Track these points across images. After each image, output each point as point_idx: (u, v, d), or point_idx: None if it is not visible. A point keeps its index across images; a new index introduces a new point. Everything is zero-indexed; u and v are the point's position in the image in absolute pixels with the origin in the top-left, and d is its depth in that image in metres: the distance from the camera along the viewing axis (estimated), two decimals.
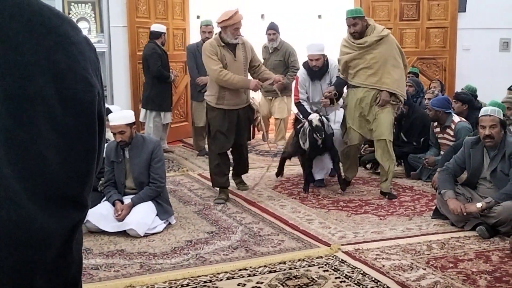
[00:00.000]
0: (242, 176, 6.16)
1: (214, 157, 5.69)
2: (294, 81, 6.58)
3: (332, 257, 4.14)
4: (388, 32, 5.64)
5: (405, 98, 5.80)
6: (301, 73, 6.29)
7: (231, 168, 5.92)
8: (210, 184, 5.96)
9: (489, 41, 9.97)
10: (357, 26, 5.51)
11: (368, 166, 6.88)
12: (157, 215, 4.82)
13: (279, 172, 6.53)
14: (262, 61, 7.80)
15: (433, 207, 5.20)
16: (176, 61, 8.51)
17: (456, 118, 6.26)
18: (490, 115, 4.68)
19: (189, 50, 7.66)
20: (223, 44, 5.46)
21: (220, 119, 5.53)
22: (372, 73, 5.56)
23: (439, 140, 6.40)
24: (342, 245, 4.37)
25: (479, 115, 4.82)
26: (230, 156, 5.95)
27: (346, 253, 4.21)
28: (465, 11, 9.69)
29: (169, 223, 4.94)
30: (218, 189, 5.82)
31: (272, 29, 8.07)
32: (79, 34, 1.14)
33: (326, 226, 4.87)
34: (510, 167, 4.58)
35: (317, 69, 6.06)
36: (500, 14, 9.81)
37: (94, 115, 1.17)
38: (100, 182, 5.00)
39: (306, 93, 6.21)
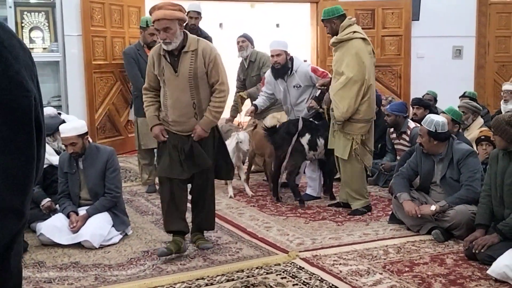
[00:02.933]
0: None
1: (164, 188, 4.44)
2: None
3: (290, 264, 4.13)
4: (349, 37, 5.18)
5: (340, 111, 5.14)
6: (268, 73, 6.18)
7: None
8: None
9: (442, 49, 10.23)
10: (327, 28, 5.37)
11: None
12: (113, 226, 4.73)
13: (301, 200, 5.77)
14: (234, 82, 7.18)
15: (390, 212, 5.25)
16: None
17: (411, 124, 6.37)
18: (421, 124, 4.85)
19: (128, 55, 6.34)
20: (162, 53, 4.24)
21: (168, 141, 4.36)
22: (332, 76, 5.43)
23: (396, 146, 6.50)
24: (300, 251, 4.37)
25: None
26: None
27: (304, 259, 4.21)
28: (418, 20, 9.91)
29: (126, 234, 4.86)
30: None
31: (242, 36, 7.09)
32: (12, 37, 1.10)
33: (284, 233, 4.87)
34: (460, 174, 4.66)
35: (279, 66, 5.87)
36: (452, 22, 10.08)
37: (31, 121, 1.13)
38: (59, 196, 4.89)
39: (271, 90, 6.17)
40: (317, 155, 5.79)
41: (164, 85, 4.28)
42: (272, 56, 5.94)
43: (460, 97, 7.69)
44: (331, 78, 5.64)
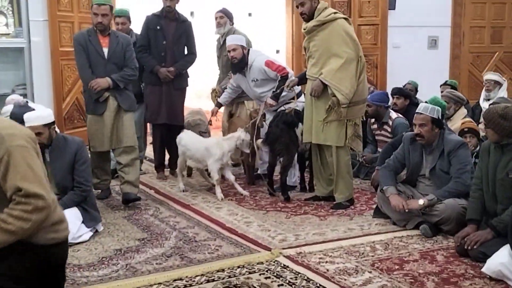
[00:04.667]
0: None
1: None
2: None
3: (274, 262, 3.89)
4: (334, 17, 4.97)
5: (343, 93, 4.86)
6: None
7: None
8: (141, 186, 5.62)
9: (418, 39, 10.10)
10: (305, 6, 5.02)
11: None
12: (83, 222, 4.42)
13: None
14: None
15: (373, 206, 5.06)
16: None
17: (393, 114, 6.18)
18: (421, 113, 4.56)
19: (75, 40, 5.39)
20: None
21: None
22: (314, 63, 5.08)
23: (376, 137, 6.31)
24: (283, 248, 4.13)
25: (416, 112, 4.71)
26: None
27: (288, 257, 3.97)
28: (394, 9, 9.74)
29: (96, 231, 4.56)
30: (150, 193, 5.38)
31: (220, 11, 6.60)
32: None
33: (265, 228, 4.62)
34: (450, 165, 4.48)
35: (236, 61, 5.77)
36: (428, 12, 9.95)
37: None
38: None
39: (236, 83, 6.08)
40: (307, 146, 5.51)
41: None
42: (228, 51, 5.80)
43: (441, 86, 7.58)
44: (299, 76, 5.42)
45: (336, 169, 5.17)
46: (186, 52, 6.39)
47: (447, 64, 10.43)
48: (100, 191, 5.62)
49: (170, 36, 6.21)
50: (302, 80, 5.36)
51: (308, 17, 5.07)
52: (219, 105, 6.30)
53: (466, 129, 5.29)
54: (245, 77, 5.87)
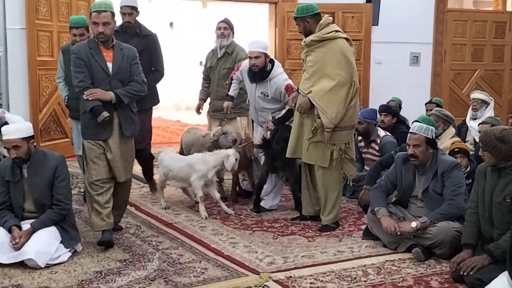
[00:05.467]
0: None
1: None
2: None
3: (263, 287, 3.73)
4: (334, 36, 4.80)
5: (329, 117, 4.70)
6: (244, 66, 5.62)
7: None
8: None
9: (400, 55, 10.10)
10: (300, 27, 4.92)
11: None
12: (61, 242, 4.21)
13: None
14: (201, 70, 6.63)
15: (362, 226, 4.94)
16: None
17: (381, 132, 6.07)
18: (415, 133, 4.43)
19: (77, 54, 4.47)
20: None
21: None
22: (306, 78, 4.90)
23: (363, 155, 6.19)
24: (272, 272, 3.96)
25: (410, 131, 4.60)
26: None
27: (277, 282, 3.80)
28: (377, 25, 9.71)
29: (75, 251, 4.35)
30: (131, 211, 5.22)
31: (224, 22, 6.31)
32: None
33: (252, 250, 4.45)
34: (444, 187, 4.37)
35: (257, 69, 5.41)
36: (410, 28, 9.99)
37: None
38: None
39: (241, 78, 5.73)
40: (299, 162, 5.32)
41: None
42: (250, 58, 5.45)
43: (426, 104, 7.53)
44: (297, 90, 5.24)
45: (321, 190, 5.03)
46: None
47: (429, 81, 10.47)
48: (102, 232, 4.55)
49: None
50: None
51: (305, 35, 4.92)
52: (231, 98, 5.91)
53: (456, 149, 5.21)
54: (255, 85, 5.54)
